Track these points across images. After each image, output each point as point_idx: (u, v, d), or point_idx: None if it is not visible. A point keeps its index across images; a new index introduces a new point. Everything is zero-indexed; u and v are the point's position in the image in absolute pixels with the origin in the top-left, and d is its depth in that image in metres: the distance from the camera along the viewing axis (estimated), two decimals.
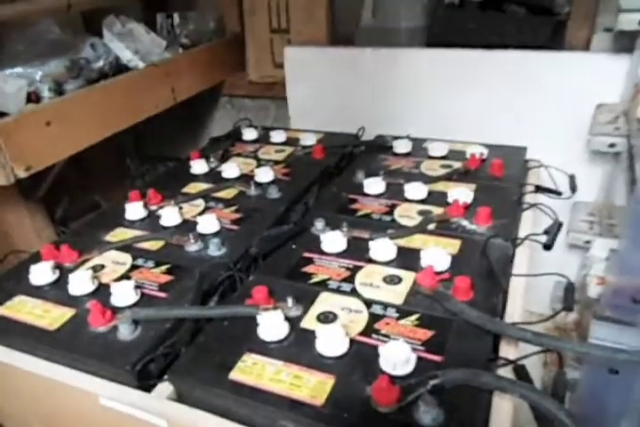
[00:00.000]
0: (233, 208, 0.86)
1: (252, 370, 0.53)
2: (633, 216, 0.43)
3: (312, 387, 0.50)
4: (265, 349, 0.55)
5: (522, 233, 0.80)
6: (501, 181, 0.91)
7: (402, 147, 1.04)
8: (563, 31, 1.15)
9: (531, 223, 0.84)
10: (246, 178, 0.95)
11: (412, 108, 1.18)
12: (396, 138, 1.07)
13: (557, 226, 0.81)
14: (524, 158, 1.01)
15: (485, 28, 1.17)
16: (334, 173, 1.01)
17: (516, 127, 1.09)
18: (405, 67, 1.15)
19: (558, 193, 0.95)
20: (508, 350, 0.57)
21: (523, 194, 0.90)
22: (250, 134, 1.16)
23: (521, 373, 0.51)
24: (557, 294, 1.18)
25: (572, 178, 0.98)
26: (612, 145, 0.96)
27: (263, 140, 1.15)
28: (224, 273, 0.68)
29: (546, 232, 0.81)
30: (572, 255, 1.17)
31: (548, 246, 0.76)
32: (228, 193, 0.91)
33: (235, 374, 0.52)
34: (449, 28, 1.22)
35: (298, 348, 0.55)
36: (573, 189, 0.97)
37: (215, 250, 0.73)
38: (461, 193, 0.83)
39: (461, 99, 1.13)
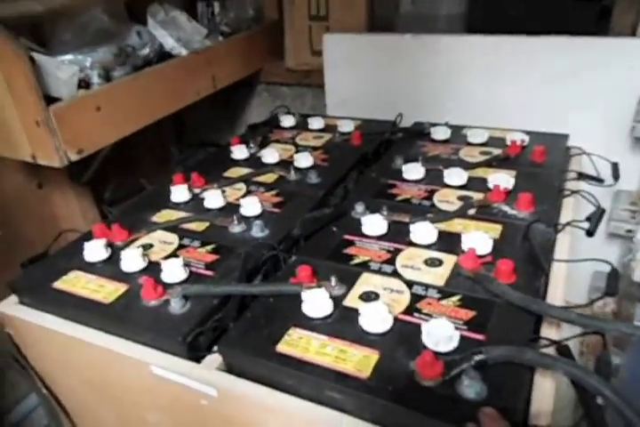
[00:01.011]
0: (274, 192, 0.88)
1: (298, 343, 0.55)
2: None
3: (357, 361, 0.52)
4: (310, 324, 0.57)
5: (563, 220, 0.79)
6: (542, 167, 0.90)
7: (440, 133, 1.04)
8: (608, 16, 1.12)
9: (572, 210, 0.83)
10: (285, 163, 0.97)
11: (451, 96, 1.17)
12: (434, 125, 1.07)
13: (600, 213, 0.80)
14: (565, 146, 1.00)
15: (527, 14, 1.16)
16: (372, 159, 1.02)
17: (559, 114, 1.07)
18: (445, 53, 1.14)
19: (600, 180, 0.94)
20: (550, 332, 0.57)
21: (564, 181, 0.89)
22: (288, 121, 1.18)
23: (565, 353, 0.52)
24: (596, 285, 1.16)
25: (614, 166, 0.96)
26: None
27: (301, 126, 1.17)
28: (267, 253, 0.70)
29: (588, 219, 0.80)
30: (612, 244, 1.15)
31: (590, 233, 0.76)
32: (268, 178, 0.93)
33: (281, 347, 0.54)
34: (489, 14, 1.20)
35: (342, 324, 0.57)
36: (616, 177, 0.95)
37: (258, 231, 0.75)
38: (502, 178, 0.82)
39: (502, 86, 1.12)
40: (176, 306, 0.61)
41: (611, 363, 0.49)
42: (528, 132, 1.00)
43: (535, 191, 0.79)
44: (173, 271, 0.65)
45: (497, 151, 0.96)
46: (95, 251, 0.71)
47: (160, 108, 1.06)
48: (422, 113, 1.14)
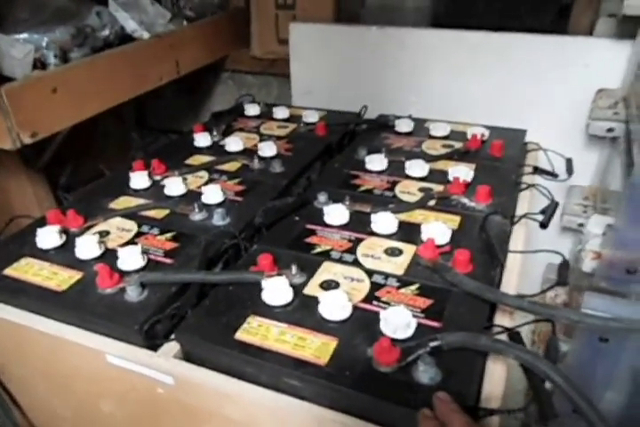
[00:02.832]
0: (236, 180, 0.87)
1: (258, 331, 0.54)
2: (629, 195, 0.45)
3: (316, 348, 0.52)
4: (269, 312, 0.57)
5: (519, 212, 0.82)
6: (501, 161, 0.93)
7: (404, 126, 1.05)
8: (567, 15, 1.16)
9: (528, 203, 0.86)
10: (249, 152, 0.96)
11: (415, 89, 1.18)
12: (399, 117, 1.08)
13: (554, 206, 0.83)
14: (523, 141, 1.03)
15: (490, 10, 1.18)
16: (336, 150, 1.02)
17: (517, 110, 1.10)
18: (410, 46, 1.15)
19: (555, 175, 0.97)
20: (503, 320, 0.59)
21: (521, 175, 0.91)
22: (252, 110, 1.17)
23: (516, 339, 0.53)
24: (549, 276, 1.21)
25: (569, 161, 1.00)
26: (610, 130, 0.97)
27: (265, 116, 1.16)
28: (229, 241, 0.70)
29: (542, 212, 0.83)
30: (565, 238, 1.19)
31: (544, 225, 0.78)
32: (231, 166, 0.92)
33: (240, 335, 0.54)
34: (454, 9, 1.22)
35: (302, 312, 0.57)
36: (570, 172, 0.98)
37: (220, 219, 0.75)
38: (462, 171, 0.84)
39: (464, 80, 1.14)
40: (132, 294, 0.60)
41: (558, 349, 0.51)
42: (488, 127, 1.03)
43: (493, 184, 0.81)
44: (130, 259, 0.64)
45: (458, 145, 0.98)
46: (48, 237, 0.69)
47: (120, 93, 1.03)
48: (387, 105, 1.15)
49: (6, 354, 0.71)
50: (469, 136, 1.00)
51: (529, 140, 1.04)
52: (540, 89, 1.08)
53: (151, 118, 1.47)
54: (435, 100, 1.17)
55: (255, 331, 0.55)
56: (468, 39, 1.10)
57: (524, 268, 0.75)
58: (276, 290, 0.58)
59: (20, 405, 0.77)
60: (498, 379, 0.50)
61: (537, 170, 0.95)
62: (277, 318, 0.56)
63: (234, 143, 0.98)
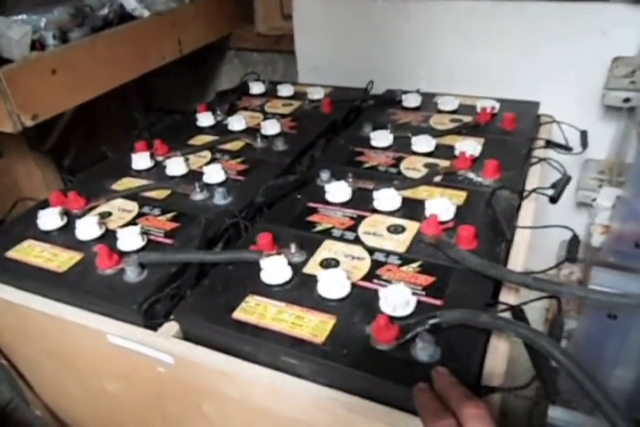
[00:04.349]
0: (239, 160, 0.86)
1: (255, 310, 0.54)
2: (638, 165, 0.42)
3: (313, 326, 0.51)
4: (268, 291, 0.56)
5: (529, 187, 0.79)
6: (511, 135, 0.90)
7: (411, 101, 1.02)
8: None
9: (539, 178, 0.83)
10: (253, 131, 0.95)
11: (423, 62, 1.15)
12: (406, 92, 1.05)
13: (565, 180, 0.80)
14: (536, 113, 0.99)
15: None
16: (342, 126, 1.00)
17: (530, 81, 1.06)
18: (416, 19, 1.11)
19: (569, 149, 0.93)
20: (508, 297, 0.57)
21: (532, 148, 0.88)
22: (257, 88, 1.15)
23: (519, 316, 0.52)
24: (562, 254, 1.18)
25: (583, 134, 0.96)
26: (626, 100, 0.94)
27: (270, 94, 1.14)
28: (229, 221, 0.69)
29: (553, 186, 0.80)
30: (580, 213, 1.16)
31: (553, 199, 0.76)
32: (234, 145, 0.91)
33: (238, 314, 0.53)
34: None
35: (300, 291, 0.56)
36: (584, 145, 0.95)
37: (221, 199, 0.74)
38: (469, 146, 0.82)
39: (474, 52, 1.10)
40: (132, 274, 0.59)
41: (563, 325, 0.49)
42: (499, 100, 0.99)
43: (502, 158, 0.78)
44: (129, 239, 0.64)
45: (467, 119, 0.95)
46: (50, 219, 0.69)
47: (122, 73, 1.02)
48: (395, 80, 1.12)
49: (13, 335, 0.72)
50: (479, 110, 0.96)
51: (542, 113, 1.00)
52: (554, 58, 1.04)
53: (156, 99, 1.45)
54: (444, 74, 1.14)
55: (253, 310, 0.54)
56: (478, 8, 1.05)
57: (538, 245, 0.73)
58: (275, 269, 0.57)
59: (31, 384, 0.78)
60: (500, 356, 0.49)
61: (549, 143, 0.92)
62: (275, 297, 0.55)
63: (237, 122, 0.96)
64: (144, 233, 0.66)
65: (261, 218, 0.72)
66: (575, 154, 0.92)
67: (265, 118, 1.01)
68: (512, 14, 1.03)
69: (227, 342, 0.53)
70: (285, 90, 1.12)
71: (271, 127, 0.93)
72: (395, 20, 1.14)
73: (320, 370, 0.49)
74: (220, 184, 0.78)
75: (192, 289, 0.59)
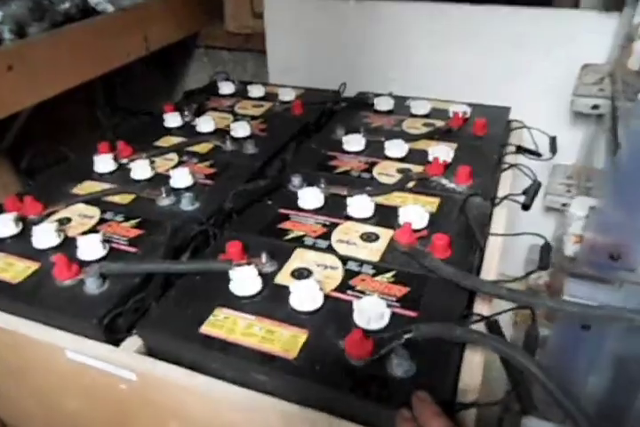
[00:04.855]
0: (207, 163, 0.83)
1: (224, 324, 0.51)
2: (613, 175, 0.42)
3: (285, 341, 0.49)
4: (237, 304, 0.54)
5: (501, 193, 0.79)
6: (483, 140, 0.89)
7: (384, 104, 1.01)
8: None
9: (510, 184, 0.83)
10: (222, 133, 0.92)
11: (395, 65, 1.14)
12: (378, 95, 1.04)
13: (536, 186, 0.80)
14: (507, 118, 1.00)
15: None
16: (313, 129, 0.98)
17: (501, 86, 1.07)
18: (389, 21, 1.10)
19: (538, 155, 0.94)
20: (482, 307, 0.56)
21: (503, 154, 0.89)
22: (226, 88, 1.12)
23: (494, 328, 0.51)
24: (532, 258, 1.19)
25: (553, 140, 0.97)
26: (595, 107, 0.95)
27: (240, 94, 1.11)
28: (197, 228, 0.66)
29: (524, 192, 0.80)
30: (548, 218, 1.18)
31: (526, 206, 0.76)
32: (202, 147, 0.88)
33: (205, 328, 0.51)
34: None
35: (271, 303, 0.54)
36: (554, 151, 0.96)
37: (188, 204, 0.71)
38: (441, 151, 0.81)
39: (445, 55, 1.09)
40: (92, 286, 0.56)
41: (538, 337, 0.49)
42: (471, 105, 0.99)
43: (474, 164, 0.78)
44: (90, 248, 0.60)
45: (439, 123, 0.94)
46: (3, 225, 0.65)
47: (84, 71, 0.97)
48: (367, 83, 1.11)
49: None
50: (451, 114, 0.96)
51: (513, 118, 1.01)
52: (525, 64, 1.04)
53: (121, 98, 1.40)
54: (415, 77, 1.13)
55: (221, 324, 0.52)
56: (449, 12, 1.05)
57: (508, 249, 0.73)
58: (244, 280, 0.55)
59: None
60: (476, 370, 0.48)
61: (520, 149, 0.92)
62: (245, 310, 0.53)
63: (205, 123, 0.93)
64: (106, 241, 0.63)
65: (231, 225, 0.69)
66: (545, 160, 0.92)
67: (235, 120, 0.98)
68: (483, 18, 1.03)
69: (194, 357, 0.51)
70: (256, 90, 1.10)
71: (241, 129, 0.91)
72: (367, 22, 1.12)
73: (291, 387, 0.47)
74: (188, 189, 0.75)
75: (157, 301, 0.56)
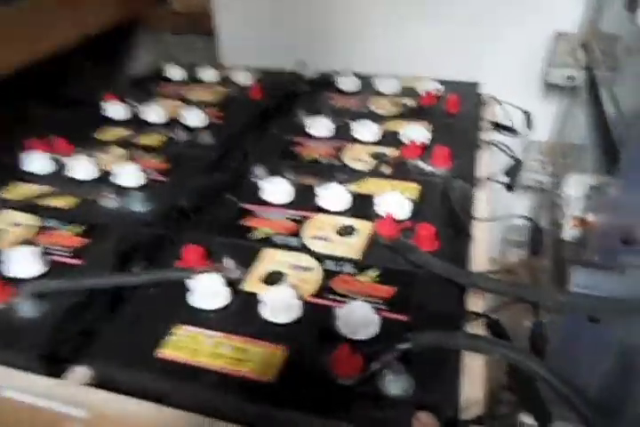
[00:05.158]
0: (159, 157, 0.74)
1: (186, 344, 0.44)
2: (626, 151, 0.37)
3: (259, 361, 0.42)
4: (200, 319, 0.47)
5: (480, 174, 0.74)
6: (457, 118, 0.84)
7: (348, 83, 0.94)
8: None
9: (488, 163, 0.78)
10: (173, 122, 0.83)
11: (358, 41, 1.07)
12: (341, 74, 0.97)
13: (518, 165, 0.76)
14: (478, 94, 0.94)
15: None
16: (275, 114, 0.90)
17: (470, 59, 1.01)
18: None
19: (514, 131, 0.89)
20: (476, 303, 0.51)
21: (479, 132, 0.83)
22: (176, 73, 1.03)
23: (495, 328, 0.46)
24: (509, 238, 1.15)
25: (527, 115, 0.92)
26: (570, 77, 0.90)
27: (191, 79, 1.02)
28: (150, 232, 0.58)
29: (507, 173, 0.75)
30: (523, 196, 1.14)
31: (510, 187, 0.71)
32: (152, 140, 0.79)
33: (165, 351, 0.43)
34: None
35: (241, 316, 0.47)
36: (529, 126, 0.91)
37: (139, 205, 0.63)
38: (417, 132, 0.75)
39: (410, 29, 1.03)
40: (27, 309, 0.47)
41: (545, 336, 0.43)
42: (440, 81, 0.93)
43: (451, 145, 0.72)
44: (24, 263, 0.51)
45: (410, 102, 0.88)
46: None
47: (9, 58, 0.86)
48: (329, 61, 1.03)
49: None
50: (421, 92, 0.90)
51: (484, 93, 0.95)
52: (494, 35, 0.99)
53: (55, 88, 1.28)
54: (380, 53, 1.06)
55: (183, 344, 0.44)
56: None
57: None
58: (208, 290, 0.47)
59: None
60: (478, 380, 0.42)
61: (496, 126, 0.87)
62: (210, 326, 0.46)
63: (154, 113, 0.84)
64: (45, 254, 0.54)
65: (189, 226, 0.61)
66: (521, 136, 0.88)
67: (188, 107, 0.89)
68: None
69: (153, 387, 0.43)
70: (208, 74, 1.01)
71: (195, 117, 0.82)
72: None
73: (271, 416, 0.40)
74: (138, 187, 0.66)
75: (106, 322, 0.48)
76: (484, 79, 0.95)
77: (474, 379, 0.42)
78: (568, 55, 0.89)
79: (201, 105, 0.89)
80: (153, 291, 0.50)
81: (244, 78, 0.98)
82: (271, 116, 0.89)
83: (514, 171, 0.74)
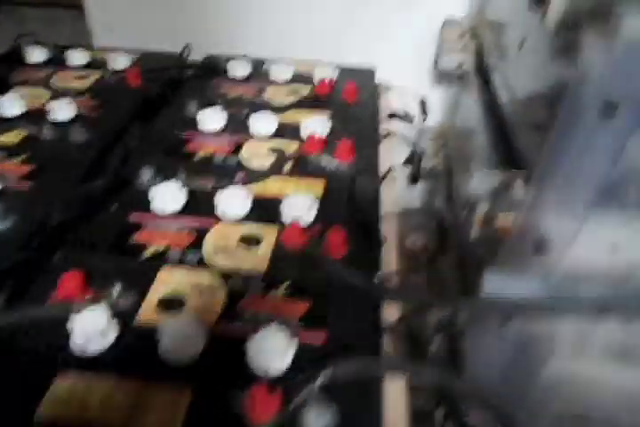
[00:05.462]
0: (20, 158, 0.63)
1: (70, 400, 0.37)
2: (552, 146, 0.36)
3: (160, 409, 0.36)
4: (86, 364, 0.39)
5: (383, 166, 0.72)
6: (355, 107, 0.81)
7: (239, 69, 0.87)
8: None
9: (389, 154, 0.76)
10: (36, 115, 0.71)
11: (245, 23, 0.99)
12: (231, 58, 0.89)
13: (420, 155, 0.75)
14: (374, 81, 0.92)
15: None
16: (159, 104, 0.81)
17: (364, 45, 0.98)
18: None
19: (410, 119, 0.89)
20: (392, 311, 0.49)
21: (378, 122, 0.81)
22: (37, 55, 0.88)
23: (413, 337, 0.44)
24: (410, 224, 1.17)
25: (422, 102, 0.92)
26: (460, 65, 0.91)
27: (57, 62, 0.88)
28: (14, 256, 0.48)
29: (408, 161, 0.74)
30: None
31: (415, 179, 0.70)
32: (10, 137, 0.67)
33: (44, 411, 0.36)
34: None
35: (135, 355, 0.40)
36: (425, 113, 0.91)
37: None
38: (316, 124, 0.71)
39: (302, 12, 0.97)
40: None
41: (464, 348, 0.42)
42: (336, 67, 0.90)
43: (353, 136, 0.69)
44: None
45: (305, 90, 0.83)
46: None
47: None
48: (214, 43, 0.95)
49: None
50: (316, 79, 0.86)
51: (380, 80, 0.94)
52: (385, 20, 0.97)
53: None
54: (270, 35, 1.00)
55: (66, 400, 0.37)
56: None
57: None
58: (93, 328, 0.40)
59: None
60: (400, 407, 0.39)
61: (394, 115, 0.86)
62: (99, 373, 0.39)
63: (11, 104, 0.72)
64: None
65: (64, 246, 0.52)
66: (417, 124, 0.88)
67: (53, 96, 0.77)
68: None
69: None
70: (78, 57, 0.88)
71: (64, 109, 0.71)
72: None
73: None
74: None
75: None
76: (379, 65, 0.92)
77: (397, 406, 0.40)
78: (456, 42, 0.90)
79: (70, 94, 0.77)
80: (24, 335, 0.41)
81: (119, 61, 0.87)
82: (154, 106, 0.80)
83: (416, 160, 0.73)
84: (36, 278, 0.47)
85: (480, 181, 0.49)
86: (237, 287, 0.47)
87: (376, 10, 0.96)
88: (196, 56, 0.91)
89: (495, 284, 0.43)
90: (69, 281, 0.44)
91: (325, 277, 0.48)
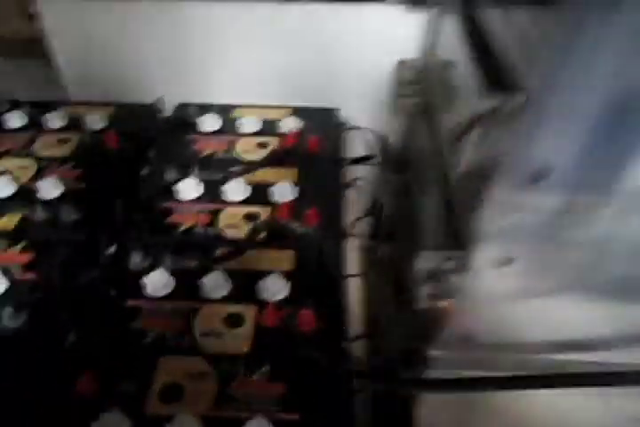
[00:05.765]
0: (19, 247, 0.69)
1: None
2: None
3: None
4: None
5: (349, 218, 0.80)
6: (320, 158, 0.86)
7: (210, 123, 0.92)
8: None
9: (354, 204, 0.84)
10: (26, 193, 0.76)
11: (210, 70, 1.04)
12: (201, 107, 0.95)
13: (380, 207, 0.82)
14: (337, 122, 0.98)
15: None
16: (136, 166, 0.86)
17: (326, 87, 1.03)
18: (192, 21, 0.98)
19: (371, 158, 0.96)
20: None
21: (343, 173, 0.87)
22: (16, 119, 0.91)
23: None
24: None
25: (385, 139, 0.99)
26: (416, 104, 0.97)
27: (35, 124, 0.92)
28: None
29: (369, 214, 0.82)
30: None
31: (375, 236, 0.77)
32: (6, 222, 0.72)
33: None
34: None
35: None
36: (386, 150, 0.98)
37: (9, 318, 0.59)
38: (285, 189, 0.77)
39: (260, 57, 1.02)
40: None
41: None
42: (299, 109, 0.96)
43: (319, 197, 0.77)
44: None
45: (273, 141, 0.89)
46: None
47: None
48: (184, 90, 1.01)
49: None
50: (282, 126, 0.92)
51: (342, 120, 0.99)
52: (344, 62, 1.02)
53: None
54: (235, 81, 1.05)
55: None
56: (259, 10, 0.96)
57: None
58: None
59: None
60: None
61: (358, 160, 0.93)
62: None
63: (3, 185, 0.76)
64: None
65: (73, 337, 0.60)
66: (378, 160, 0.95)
67: (40, 168, 0.82)
68: (294, 15, 0.97)
69: None
70: (56, 118, 0.91)
71: (51, 187, 0.76)
72: (166, 23, 0.99)
73: None
74: (3, 294, 0.62)
75: None
76: (339, 104, 0.98)
77: None
78: (411, 83, 0.95)
79: (53, 164, 0.82)
80: None
81: (96, 120, 0.91)
82: (133, 168, 0.85)
83: (378, 214, 0.80)
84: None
85: (425, 260, 0.57)
86: (226, 370, 0.55)
87: (334, 52, 1.01)
88: (172, 102, 0.96)
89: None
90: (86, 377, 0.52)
91: (299, 356, 0.56)
